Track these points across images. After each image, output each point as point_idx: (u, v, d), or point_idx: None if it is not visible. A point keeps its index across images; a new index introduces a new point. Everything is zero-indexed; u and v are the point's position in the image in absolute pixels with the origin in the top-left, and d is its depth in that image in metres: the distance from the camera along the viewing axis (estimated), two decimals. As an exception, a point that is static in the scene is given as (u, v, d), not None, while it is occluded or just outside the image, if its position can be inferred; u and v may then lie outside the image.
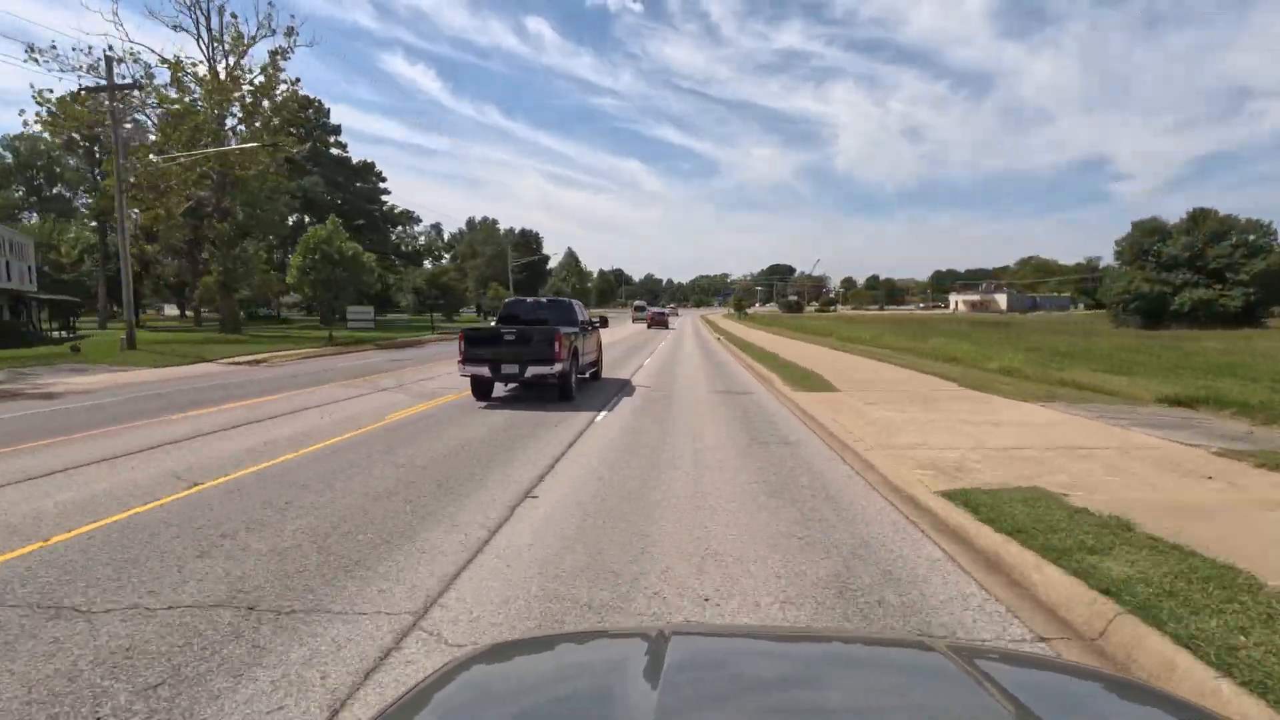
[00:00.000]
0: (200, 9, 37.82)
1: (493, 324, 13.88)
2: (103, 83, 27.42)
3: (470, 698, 1.18)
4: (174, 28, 41.03)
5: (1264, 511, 5.16)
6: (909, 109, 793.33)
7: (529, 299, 15.85)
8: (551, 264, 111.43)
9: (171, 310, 79.62)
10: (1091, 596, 3.63)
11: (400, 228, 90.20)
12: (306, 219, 55.36)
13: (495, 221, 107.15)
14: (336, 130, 59.22)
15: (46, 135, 44.34)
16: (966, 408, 10.88)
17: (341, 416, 10.78)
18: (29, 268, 43.03)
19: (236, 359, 23.52)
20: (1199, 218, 51.24)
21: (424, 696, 1.12)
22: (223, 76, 37.93)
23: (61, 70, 33.50)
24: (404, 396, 13.42)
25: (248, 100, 39.35)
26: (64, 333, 42.67)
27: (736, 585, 4.14)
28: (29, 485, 6.67)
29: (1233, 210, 59.75)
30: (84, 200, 63.54)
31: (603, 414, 11.39)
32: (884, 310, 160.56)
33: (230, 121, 39.97)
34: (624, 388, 14.80)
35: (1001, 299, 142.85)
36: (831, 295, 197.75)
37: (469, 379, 12.70)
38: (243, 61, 39.31)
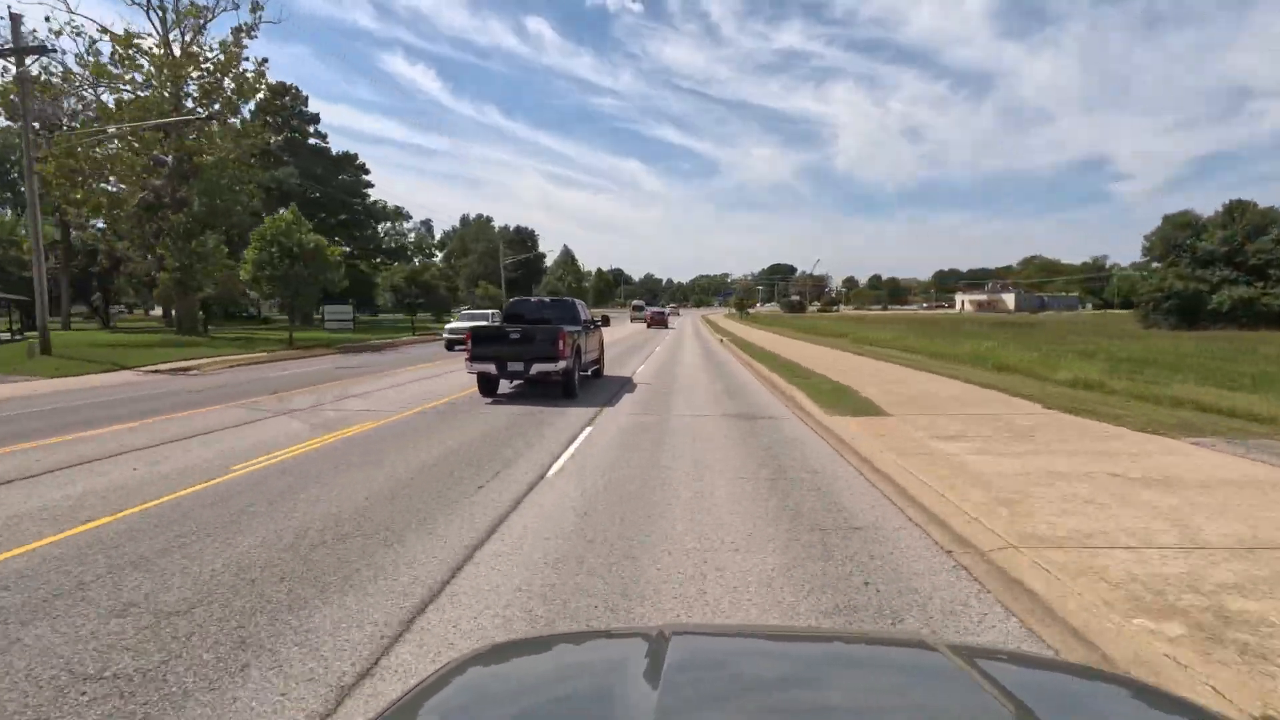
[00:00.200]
0: (152, -21, 34.46)
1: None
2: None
3: (470, 698, 1.17)
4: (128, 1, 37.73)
5: None
6: (909, 109, 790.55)
7: (533, 298, 15.96)
8: (548, 262, 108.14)
9: (157, 311, 75.83)
10: None
11: (390, 224, 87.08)
12: (282, 213, 52.02)
13: (490, 219, 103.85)
14: (315, 119, 55.78)
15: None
16: (1089, 447, 7.53)
17: (169, 469, 7.30)
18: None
19: (160, 367, 20.15)
20: (1236, 210, 47.77)
21: (424, 696, 1.12)
22: (177, 53, 34.56)
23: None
24: (302, 426, 10.04)
25: (206, 80, 35.96)
26: (17, 335, 39.30)
27: None
28: None
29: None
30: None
31: (606, 409, 11.27)
32: (887, 310, 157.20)
33: (197, 108, 36.59)
34: (625, 384, 14.55)
35: (1009, 299, 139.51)
36: (833, 295, 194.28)
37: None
38: (200, 38, 36.00)
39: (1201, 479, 6.08)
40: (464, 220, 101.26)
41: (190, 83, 35.64)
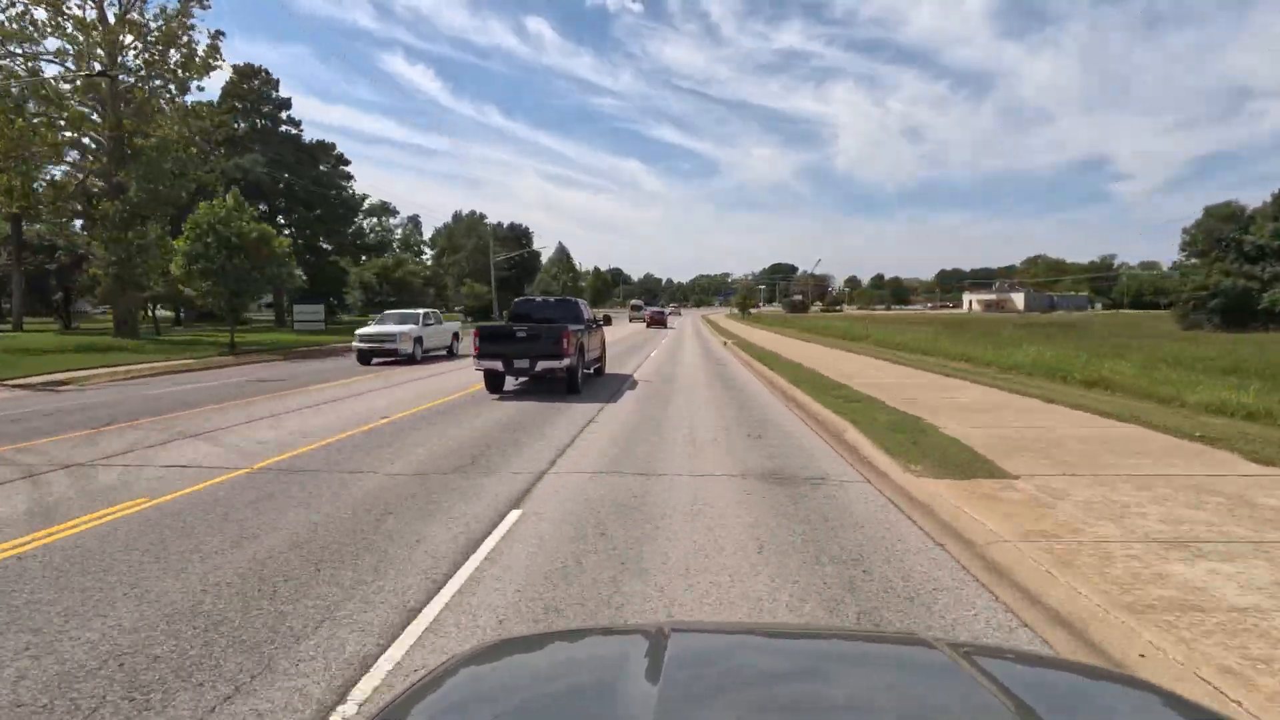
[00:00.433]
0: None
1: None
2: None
3: (471, 694, 1.17)
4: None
5: None
6: (909, 109, 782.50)
7: (538, 298, 16.64)
8: (544, 259, 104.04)
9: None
10: None
11: (376, 220, 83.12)
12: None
13: (483, 216, 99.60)
14: (286, 104, 51.70)
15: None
16: None
17: None
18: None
19: (34, 380, 16.26)
20: (1288, 199, 43.77)
21: (426, 692, 1.12)
22: (111, 21, 30.66)
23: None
24: (32, 502, 6.14)
25: (148, 53, 32.06)
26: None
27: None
28: None
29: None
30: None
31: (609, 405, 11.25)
32: (891, 310, 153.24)
33: (140, 83, 32.65)
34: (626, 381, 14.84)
35: (1018, 298, 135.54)
36: (836, 295, 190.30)
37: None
38: (144, 5, 32.10)
39: None
40: (456, 216, 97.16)
41: (129, 55, 31.78)
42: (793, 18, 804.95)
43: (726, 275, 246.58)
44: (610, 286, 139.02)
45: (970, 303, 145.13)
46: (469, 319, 69.07)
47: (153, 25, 32.04)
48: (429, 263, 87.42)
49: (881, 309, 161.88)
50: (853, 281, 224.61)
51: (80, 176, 32.84)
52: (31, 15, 27.79)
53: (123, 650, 3.34)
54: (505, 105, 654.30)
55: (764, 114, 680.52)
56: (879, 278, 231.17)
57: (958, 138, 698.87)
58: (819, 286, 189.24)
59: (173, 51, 32.95)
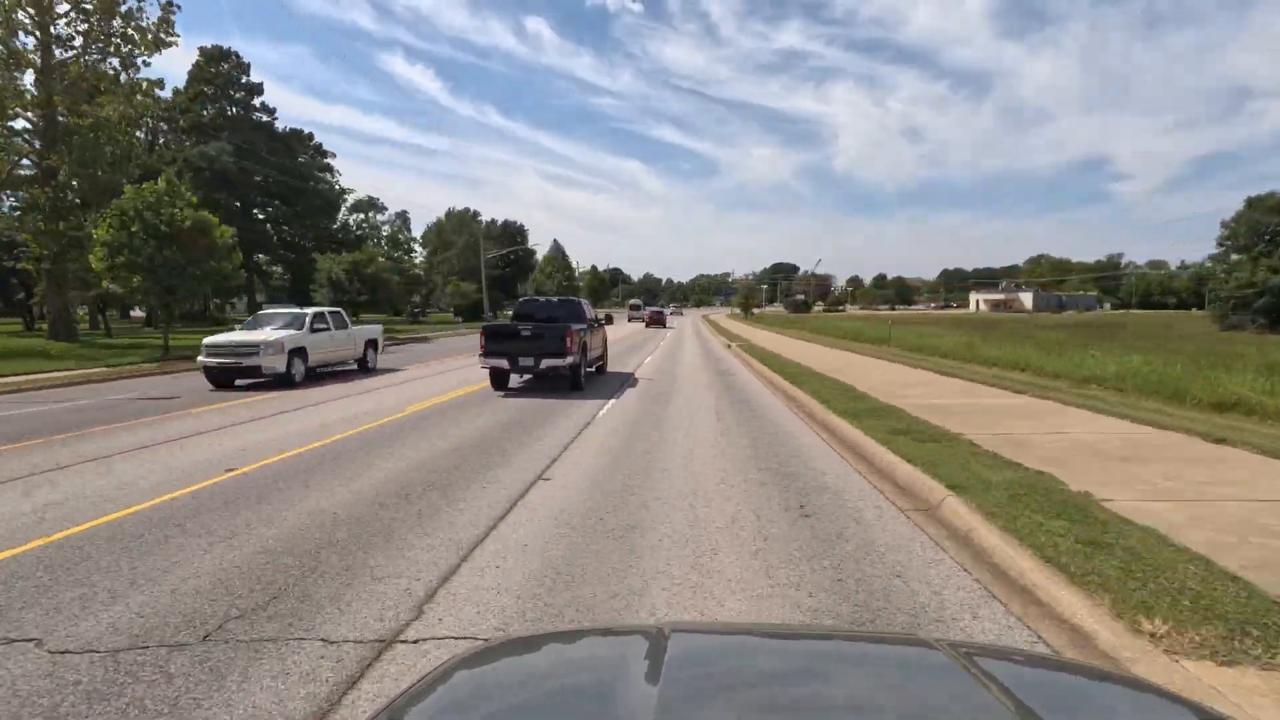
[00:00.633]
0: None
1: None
2: None
3: (470, 695, 1.17)
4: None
5: None
6: (909, 109, 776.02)
7: (541, 298, 17.08)
8: (538, 257, 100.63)
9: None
10: None
11: (362, 215, 79.72)
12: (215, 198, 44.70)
13: (476, 214, 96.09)
14: (258, 89, 48.30)
15: None
16: None
17: None
18: None
19: None
20: (1340, 190, 40.27)
21: (426, 693, 1.11)
22: (42, -16, 27.34)
23: None
24: None
25: (85, 23, 28.76)
26: None
27: None
28: None
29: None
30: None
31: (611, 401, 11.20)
32: (895, 310, 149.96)
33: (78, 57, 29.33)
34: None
35: (1026, 298, 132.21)
36: (838, 295, 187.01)
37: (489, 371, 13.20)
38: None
39: None
40: (449, 213, 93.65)
41: (63, 24, 28.47)
42: (792, 18, 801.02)
43: (727, 275, 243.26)
44: (608, 286, 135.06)
45: (977, 302, 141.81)
46: (459, 319, 65.84)
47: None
48: (419, 260, 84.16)
49: (885, 309, 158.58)
50: (855, 281, 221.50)
51: (14, 159, 29.54)
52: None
53: None
54: (505, 105, 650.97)
55: (764, 114, 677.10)
56: (881, 277, 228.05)
57: (958, 138, 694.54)
58: (821, 286, 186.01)
59: (116, 22, 29.74)
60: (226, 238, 23.16)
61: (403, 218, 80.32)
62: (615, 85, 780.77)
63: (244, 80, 48.11)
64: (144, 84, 30.95)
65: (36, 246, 27.87)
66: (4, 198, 32.34)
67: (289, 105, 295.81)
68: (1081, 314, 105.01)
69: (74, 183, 28.12)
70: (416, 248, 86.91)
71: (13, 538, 4.97)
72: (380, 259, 36.39)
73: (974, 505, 5.07)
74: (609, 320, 16.94)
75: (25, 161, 29.53)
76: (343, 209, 71.73)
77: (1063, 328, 41.93)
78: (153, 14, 31.89)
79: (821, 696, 1.11)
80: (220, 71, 46.78)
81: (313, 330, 16.11)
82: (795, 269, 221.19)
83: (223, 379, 14.64)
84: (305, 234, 51.83)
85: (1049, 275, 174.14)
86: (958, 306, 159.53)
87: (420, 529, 5.09)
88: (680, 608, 3.74)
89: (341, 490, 6.17)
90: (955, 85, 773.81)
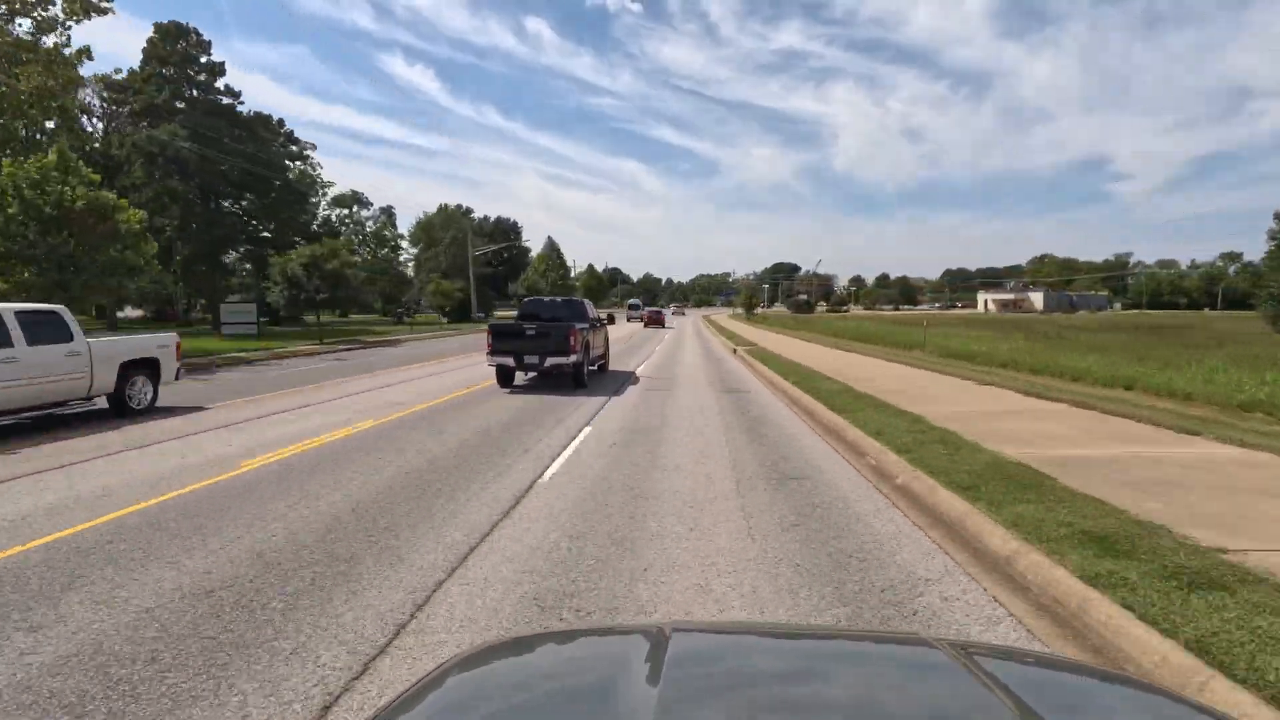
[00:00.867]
0: None
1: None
2: None
3: (470, 694, 1.16)
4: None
5: None
6: (909, 109, 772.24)
7: (546, 298, 17.28)
8: (532, 255, 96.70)
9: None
10: None
11: (345, 211, 75.84)
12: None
13: (469, 210, 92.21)
14: (219, 70, 44.41)
15: None
16: None
17: None
18: None
19: None
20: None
21: (425, 693, 1.11)
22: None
23: None
24: None
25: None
26: None
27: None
28: None
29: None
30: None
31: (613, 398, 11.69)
32: (899, 310, 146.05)
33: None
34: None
35: (1036, 298, 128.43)
36: (841, 295, 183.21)
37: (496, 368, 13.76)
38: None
39: None
40: (441, 209, 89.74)
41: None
42: (792, 18, 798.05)
43: (727, 275, 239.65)
44: (606, 285, 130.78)
45: (985, 303, 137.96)
46: (445, 319, 61.97)
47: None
48: (404, 258, 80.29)
49: (889, 309, 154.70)
50: (858, 281, 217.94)
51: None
52: None
53: None
54: (505, 105, 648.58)
55: (764, 114, 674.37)
56: (884, 277, 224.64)
57: (957, 138, 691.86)
58: (822, 286, 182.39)
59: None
60: (134, 223, 19.33)
61: (388, 213, 76.40)
62: (615, 85, 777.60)
63: (204, 60, 44.24)
64: (67, 54, 27.12)
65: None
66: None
67: (289, 105, 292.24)
68: (1094, 314, 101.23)
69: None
70: (404, 245, 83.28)
71: None
72: (345, 252, 32.32)
73: None
74: (610, 320, 17.48)
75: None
76: (323, 203, 68.06)
77: (1103, 330, 38.03)
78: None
79: (822, 696, 1.11)
80: (177, 50, 42.93)
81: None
82: (796, 269, 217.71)
83: None
84: (281, 228, 47.99)
85: (1055, 275, 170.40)
86: (963, 306, 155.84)
87: None
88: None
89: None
90: (955, 85, 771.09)
